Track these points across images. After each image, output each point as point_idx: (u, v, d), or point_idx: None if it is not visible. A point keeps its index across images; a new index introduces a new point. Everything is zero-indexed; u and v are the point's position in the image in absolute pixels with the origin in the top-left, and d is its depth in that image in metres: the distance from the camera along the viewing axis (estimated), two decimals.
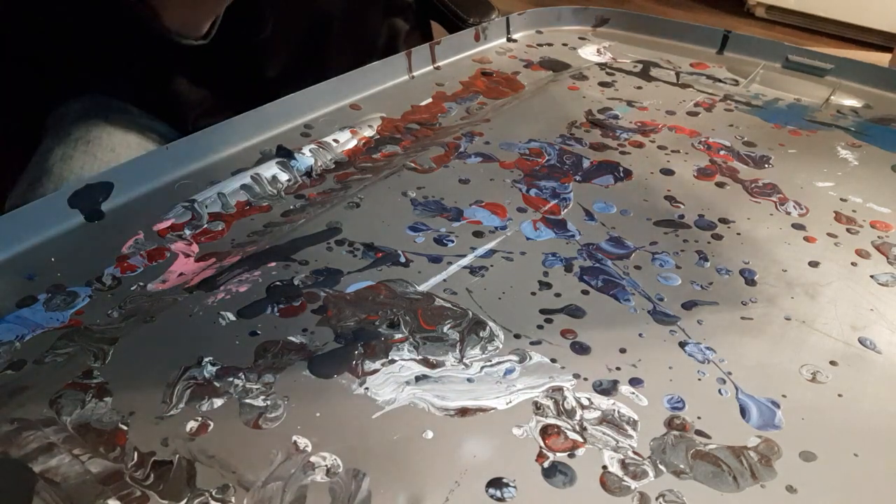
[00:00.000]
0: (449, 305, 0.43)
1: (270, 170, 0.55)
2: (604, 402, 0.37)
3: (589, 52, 0.82)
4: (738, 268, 0.47)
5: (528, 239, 0.49)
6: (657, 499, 0.32)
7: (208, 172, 0.54)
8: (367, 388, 0.37)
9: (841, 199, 0.55)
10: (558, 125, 0.65)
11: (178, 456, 0.33)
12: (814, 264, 0.48)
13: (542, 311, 0.43)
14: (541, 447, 0.34)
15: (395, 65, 0.71)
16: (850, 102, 0.73)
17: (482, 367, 0.38)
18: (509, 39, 0.84)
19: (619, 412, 0.36)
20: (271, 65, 0.73)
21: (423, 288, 0.44)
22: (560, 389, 0.37)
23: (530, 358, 0.39)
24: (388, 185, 0.54)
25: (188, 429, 0.34)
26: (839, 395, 0.38)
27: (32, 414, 0.35)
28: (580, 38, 0.86)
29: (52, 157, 0.63)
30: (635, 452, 0.34)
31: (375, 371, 0.38)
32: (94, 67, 0.69)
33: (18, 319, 0.41)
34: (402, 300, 0.43)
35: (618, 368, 0.39)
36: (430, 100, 0.69)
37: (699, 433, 0.35)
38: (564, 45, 0.84)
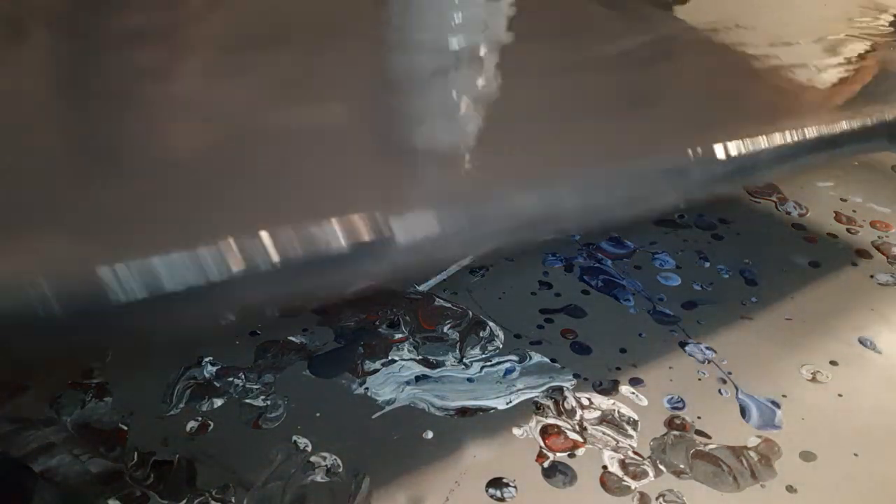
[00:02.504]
0: (449, 305, 0.43)
1: None
2: (604, 402, 0.37)
3: None
4: (738, 268, 0.47)
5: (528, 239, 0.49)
6: (657, 499, 0.32)
7: None
8: (367, 388, 0.37)
9: (841, 199, 0.55)
10: None
11: (178, 456, 0.33)
12: (814, 264, 0.48)
13: (542, 311, 0.43)
14: (541, 447, 0.34)
15: None
16: None
17: (482, 367, 0.38)
18: None
19: (619, 412, 0.36)
20: None
21: (423, 288, 0.44)
22: (560, 389, 0.37)
23: (530, 358, 0.39)
24: None
25: (188, 429, 0.34)
26: (839, 395, 0.38)
27: (32, 414, 0.35)
28: None
29: None
30: (635, 452, 0.34)
31: (375, 371, 0.38)
32: None
33: None
34: (402, 300, 0.43)
35: (618, 368, 0.39)
36: None
37: (699, 433, 0.35)
38: None
